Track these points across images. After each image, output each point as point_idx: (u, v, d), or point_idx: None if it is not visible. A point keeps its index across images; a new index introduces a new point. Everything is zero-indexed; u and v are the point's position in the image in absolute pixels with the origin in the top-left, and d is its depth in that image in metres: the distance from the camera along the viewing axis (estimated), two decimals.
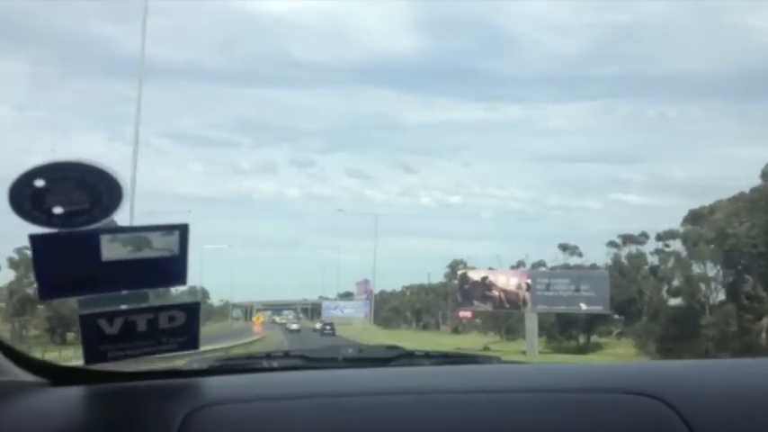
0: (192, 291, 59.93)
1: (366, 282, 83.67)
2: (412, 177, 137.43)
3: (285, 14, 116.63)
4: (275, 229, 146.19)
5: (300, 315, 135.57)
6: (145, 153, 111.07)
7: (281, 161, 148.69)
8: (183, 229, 1.24)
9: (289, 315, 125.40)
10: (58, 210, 1.17)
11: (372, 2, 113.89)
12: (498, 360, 1.89)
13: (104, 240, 1.20)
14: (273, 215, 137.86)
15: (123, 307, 1.36)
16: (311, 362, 1.71)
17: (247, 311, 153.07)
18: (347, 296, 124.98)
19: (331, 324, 79.48)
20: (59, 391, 1.38)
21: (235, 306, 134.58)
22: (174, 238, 1.23)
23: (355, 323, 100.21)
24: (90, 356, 1.37)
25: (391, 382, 1.41)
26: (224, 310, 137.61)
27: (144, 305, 1.36)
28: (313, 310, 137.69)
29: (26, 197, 1.16)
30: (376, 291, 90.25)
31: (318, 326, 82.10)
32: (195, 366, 1.64)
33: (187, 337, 1.39)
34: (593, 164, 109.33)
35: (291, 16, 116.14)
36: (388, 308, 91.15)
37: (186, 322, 1.37)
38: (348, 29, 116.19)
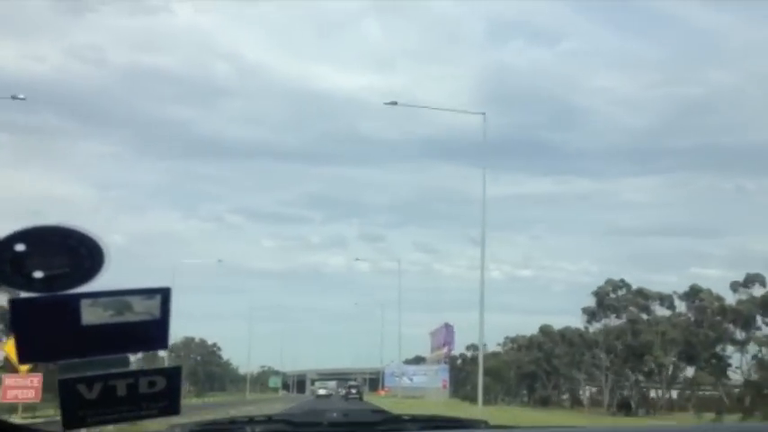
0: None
1: (447, 329, 53.06)
2: (479, 250, 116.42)
3: (354, 93, 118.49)
4: (343, 302, 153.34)
5: (356, 385, 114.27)
6: (219, 229, 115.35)
7: (351, 236, 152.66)
8: (164, 293, 1.25)
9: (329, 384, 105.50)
10: (38, 274, 1.19)
11: (440, 79, 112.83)
12: (486, 425, 1.83)
13: (85, 305, 1.21)
14: (342, 289, 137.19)
15: (103, 372, 1.34)
16: (295, 427, 1.66)
17: (293, 381, 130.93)
18: (418, 362, 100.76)
19: (357, 387, 75.88)
20: None
21: (274, 374, 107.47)
22: (155, 302, 1.25)
23: (429, 395, 75.74)
24: (68, 421, 1.34)
25: None
26: (261, 379, 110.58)
27: (124, 370, 1.36)
28: (375, 380, 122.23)
29: (6, 261, 1.18)
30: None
31: (343, 391, 76.32)
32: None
33: (168, 402, 1.38)
34: (670, 238, 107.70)
35: (360, 94, 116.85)
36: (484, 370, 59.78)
37: (167, 387, 1.36)
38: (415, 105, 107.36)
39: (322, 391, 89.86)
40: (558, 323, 74.34)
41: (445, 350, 52.84)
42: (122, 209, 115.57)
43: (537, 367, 52.12)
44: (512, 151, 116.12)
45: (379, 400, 67.27)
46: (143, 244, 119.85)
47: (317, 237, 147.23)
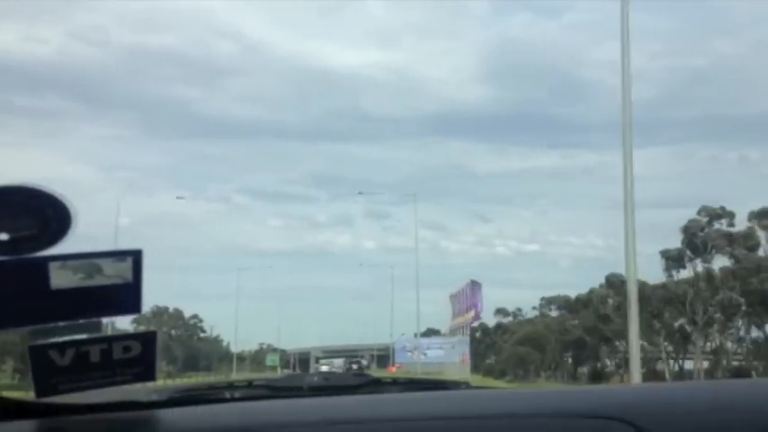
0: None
1: (473, 288, 42.09)
2: (487, 227, 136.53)
3: (356, 69, 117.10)
4: (351, 281, 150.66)
5: (364, 361, 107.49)
6: (227, 210, 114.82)
7: (357, 214, 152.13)
8: (136, 255, 1.21)
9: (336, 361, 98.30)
10: (2, 236, 1.15)
11: (443, 54, 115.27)
12: (467, 386, 1.93)
13: (53, 268, 1.17)
14: (350, 268, 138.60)
15: (76, 337, 1.30)
16: (275, 391, 1.66)
17: (294, 359, 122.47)
18: (430, 335, 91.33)
19: (359, 362, 74.54)
20: (7, 426, 1.32)
21: (272, 351, 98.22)
22: (127, 265, 1.21)
23: (447, 371, 66.25)
24: (41, 389, 1.31)
25: (358, 410, 1.37)
26: (259, 357, 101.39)
27: (97, 335, 1.31)
28: (384, 357, 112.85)
29: None
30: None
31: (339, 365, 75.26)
32: (153, 398, 1.58)
33: (143, 367, 1.35)
34: (674, 209, 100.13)
35: (362, 71, 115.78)
36: (513, 342, 48.94)
37: (142, 352, 1.32)
38: (419, 81, 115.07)
39: (324, 368, 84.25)
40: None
41: (472, 314, 42.25)
42: (129, 190, 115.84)
43: (588, 332, 41.12)
44: (517, 125, 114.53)
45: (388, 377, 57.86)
46: (149, 225, 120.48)
47: (324, 215, 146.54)
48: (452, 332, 66.85)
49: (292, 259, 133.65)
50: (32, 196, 1.13)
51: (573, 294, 45.78)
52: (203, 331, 76.52)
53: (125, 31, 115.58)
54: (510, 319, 59.12)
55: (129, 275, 1.19)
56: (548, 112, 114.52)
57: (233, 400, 1.61)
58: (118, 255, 1.19)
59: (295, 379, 1.87)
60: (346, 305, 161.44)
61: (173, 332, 67.57)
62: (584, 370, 45.32)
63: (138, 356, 1.31)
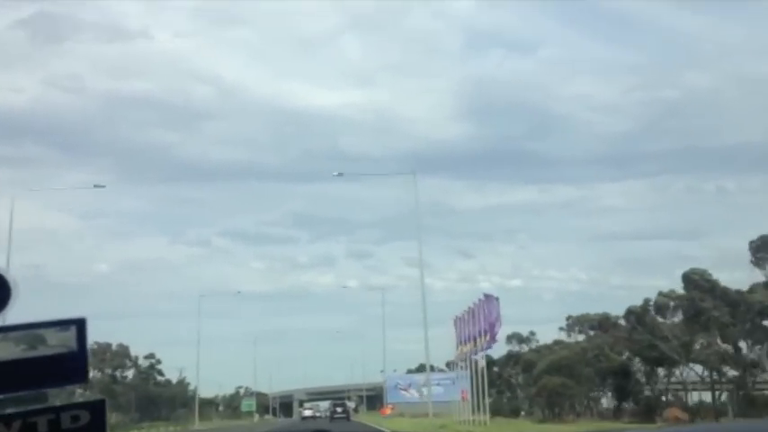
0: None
1: (489, 304, 32.76)
2: (469, 263, 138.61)
3: (334, 110, 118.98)
4: (335, 321, 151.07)
5: (351, 404, 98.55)
6: (207, 252, 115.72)
7: (339, 254, 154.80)
8: (80, 324, 1.21)
9: (321, 405, 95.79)
10: None
11: (418, 93, 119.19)
12: None
13: None
14: (333, 308, 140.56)
15: (22, 409, 1.28)
16: None
17: (275, 403, 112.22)
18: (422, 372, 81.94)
19: (343, 404, 68.09)
20: None
21: (247, 396, 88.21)
22: (71, 334, 1.21)
23: (450, 411, 56.97)
24: None
25: None
26: (234, 402, 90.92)
27: (45, 405, 1.27)
28: (374, 397, 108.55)
29: None
30: None
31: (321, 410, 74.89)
32: None
33: None
34: (655, 241, 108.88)
35: (339, 111, 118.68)
36: (539, 371, 39.55)
37: (91, 421, 1.29)
38: (396, 120, 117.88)
39: (307, 413, 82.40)
40: (546, 334, 63.57)
41: (487, 338, 33.36)
42: (107, 237, 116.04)
43: (640, 354, 32.05)
44: (494, 161, 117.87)
45: (381, 421, 48.72)
46: (129, 272, 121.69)
47: (305, 256, 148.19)
48: (458, 364, 57.84)
49: (274, 301, 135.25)
50: None
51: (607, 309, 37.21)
52: (161, 374, 66.52)
53: (100, 77, 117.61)
54: (522, 346, 50.38)
55: (73, 344, 1.18)
56: (523, 147, 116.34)
57: None
58: (61, 324, 1.18)
59: None
60: (331, 346, 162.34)
61: (118, 373, 57.26)
62: (629, 404, 36.12)
63: (88, 425, 1.26)
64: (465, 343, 42.77)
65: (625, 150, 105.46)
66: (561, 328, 44.42)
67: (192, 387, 77.52)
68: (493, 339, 34.82)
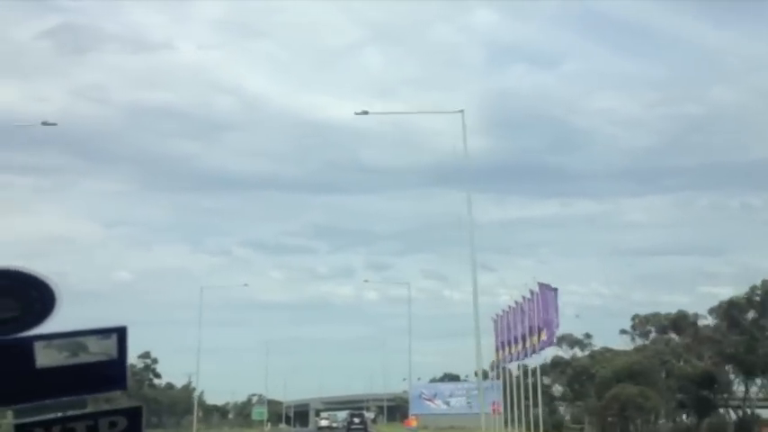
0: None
1: (544, 295, 26.19)
2: (489, 276, 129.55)
3: (354, 122, 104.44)
4: (354, 332, 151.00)
5: (370, 414, 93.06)
6: (228, 262, 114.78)
7: (358, 265, 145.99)
8: (120, 332, 1.26)
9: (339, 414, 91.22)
10: None
11: (437, 106, 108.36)
12: None
13: (38, 347, 1.22)
14: (352, 319, 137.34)
15: (61, 414, 1.32)
16: None
17: (290, 413, 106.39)
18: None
19: (361, 415, 64.32)
20: None
21: (258, 404, 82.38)
22: (111, 342, 1.26)
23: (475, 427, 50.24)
24: None
25: None
26: (246, 410, 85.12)
27: (83, 411, 1.33)
28: (394, 408, 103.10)
29: None
30: None
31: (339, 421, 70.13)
32: None
33: None
34: (678, 257, 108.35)
35: (361, 123, 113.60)
36: (602, 379, 32.80)
37: (128, 426, 1.33)
38: (417, 133, 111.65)
39: (324, 423, 78.72)
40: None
41: (544, 336, 27.00)
42: (129, 245, 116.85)
43: (732, 360, 25.63)
44: (515, 175, 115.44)
45: None
46: (151, 280, 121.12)
47: (324, 267, 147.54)
48: (496, 372, 51.56)
49: (293, 311, 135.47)
50: (16, 279, 1.16)
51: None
52: (157, 376, 60.83)
53: (125, 88, 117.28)
54: (574, 351, 44.04)
55: (114, 352, 1.23)
56: (545, 161, 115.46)
57: None
58: (102, 332, 1.23)
59: None
60: (349, 356, 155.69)
61: None
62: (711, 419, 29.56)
63: (125, 431, 1.19)
64: (507, 346, 36.64)
65: (648, 165, 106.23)
66: (624, 332, 38.29)
67: (196, 393, 72.14)
68: (551, 338, 28.56)
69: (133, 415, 1.32)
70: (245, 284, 60.01)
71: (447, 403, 68.28)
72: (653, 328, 34.97)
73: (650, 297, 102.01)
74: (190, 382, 72.92)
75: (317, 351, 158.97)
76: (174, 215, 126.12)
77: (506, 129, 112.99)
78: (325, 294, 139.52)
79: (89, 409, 1.32)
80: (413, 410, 71.90)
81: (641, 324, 36.15)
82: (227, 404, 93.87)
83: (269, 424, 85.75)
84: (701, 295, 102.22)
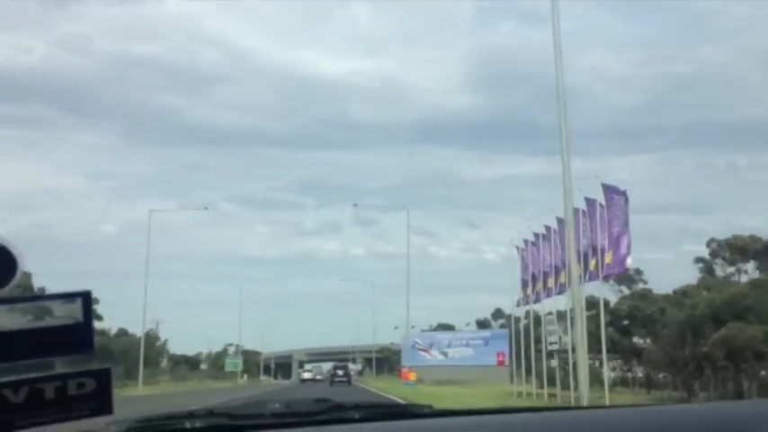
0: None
1: (612, 196, 17.54)
2: (475, 233, 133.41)
3: (343, 77, 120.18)
4: (340, 287, 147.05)
5: (355, 366, 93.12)
6: (214, 217, 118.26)
7: (345, 221, 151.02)
8: (85, 297, 1.27)
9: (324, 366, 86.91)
10: None
11: (428, 62, 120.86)
12: (430, 408, 1.90)
13: (1, 311, 1.23)
14: (338, 274, 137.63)
15: (29, 376, 1.34)
16: (236, 419, 1.69)
17: (271, 364, 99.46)
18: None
19: (345, 367, 60.65)
20: None
21: (231, 355, 75.26)
22: (76, 306, 1.26)
23: (482, 379, 48.92)
24: None
25: None
26: (219, 362, 77.66)
27: (51, 373, 1.34)
28: (382, 360, 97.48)
29: None
30: None
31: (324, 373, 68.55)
32: (112, 430, 1.61)
33: (99, 402, 1.38)
34: (662, 215, 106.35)
35: (349, 78, 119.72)
36: (699, 313, 24.40)
37: (97, 388, 1.36)
38: (405, 89, 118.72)
39: (306, 375, 75.65)
40: (557, 304, 62.54)
41: (608, 259, 19.03)
42: (114, 198, 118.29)
43: None
44: (503, 133, 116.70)
45: (403, 391, 35.02)
46: (136, 233, 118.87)
47: (311, 222, 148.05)
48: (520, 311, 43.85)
49: (279, 266, 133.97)
50: None
51: None
52: (99, 318, 52.77)
53: (109, 39, 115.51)
54: (621, 289, 36.00)
55: (79, 315, 1.23)
56: (533, 118, 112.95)
57: (193, 430, 1.60)
58: (67, 297, 1.23)
59: (257, 406, 1.81)
60: (335, 310, 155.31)
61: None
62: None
63: (94, 391, 1.33)
64: (538, 280, 28.59)
65: (635, 124, 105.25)
66: (701, 260, 30.22)
67: (162, 343, 64.10)
68: (622, 262, 20.16)
69: (101, 376, 1.32)
70: (206, 208, 52.40)
71: (444, 354, 60.71)
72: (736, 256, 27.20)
73: (634, 254, 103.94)
74: (155, 332, 65.14)
75: (303, 305, 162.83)
76: (159, 169, 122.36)
77: (495, 86, 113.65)
78: (312, 249, 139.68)
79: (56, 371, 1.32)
80: (405, 362, 64.39)
81: (719, 251, 28.03)
82: (200, 354, 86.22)
83: (245, 376, 78.23)
84: (684, 253, 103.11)
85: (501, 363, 57.19)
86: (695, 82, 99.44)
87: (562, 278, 26.71)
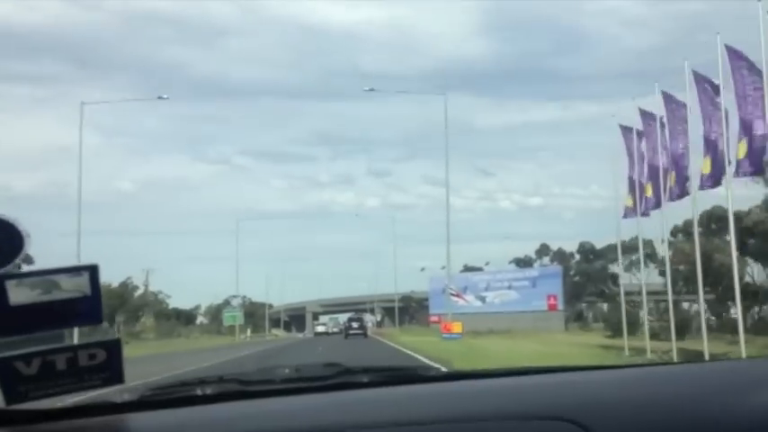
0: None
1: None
2: (490, 181, 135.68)
3: (353, 27, 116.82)
4: (355, 239, 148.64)
5: (372, 317, 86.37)
6: (228, 171, 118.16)
7: (359, 172, 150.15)
8: (92, 270, 1.29)
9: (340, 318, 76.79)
10: None
11: (439, 8, 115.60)
12: (437, 372, 1.92)
13: (11, 285, 1.25)
14: (353, 226, 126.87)
15: (41, 347, 1.38)
16: (247, 385, 1.71)
17: (282, 317, 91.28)
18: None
19: (360, 319, 53.77)
20: None
21: (229, 307, 65.69)
22: (84, 279, 1.29)
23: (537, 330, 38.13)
24: (10, 397, 1.38)
25: (326, 414, 1.48)
26: (220, 315, 68.51)
27: (62, 345, 1.38)
28: (404, 311, 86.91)
29: None
30: None
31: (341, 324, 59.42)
32: (125, 398, 1.64)
33: (110, 372, 1.42)
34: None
35: (359, 28, 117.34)
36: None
37: (107, 359, 1.40)
38: (416, 36, 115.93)
39: (320, 328, 70.08)
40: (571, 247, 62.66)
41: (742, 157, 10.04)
42: (130, 154, 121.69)
43: None
44: (517, 78, 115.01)
45: (440, 347, 25.99)
46: (151, 190, 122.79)
47: (325, 174, 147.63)
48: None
49: (294, 219, 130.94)
50: None
51: None
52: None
53: None
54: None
55: (87, 289, 1.26)
56: (548, 63, 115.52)
57: (204, 397, 1.63)
58: (74, 270, 1.27)
59: (267, 372, 1.85)
60: (351, 261, 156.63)
61: None
62: None
63: (104, 362, 1.36)
64: (656, 177, 18.56)
65: (650, 66, 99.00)
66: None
67: (142, 294, 54.90)
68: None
69: (111, 347, 1.36)
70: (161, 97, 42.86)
71: (482, 299, 51.10)
72: None
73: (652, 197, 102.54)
74: (129, 280, 56.00)
75: (319, 257, 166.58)
76: (172, 124, 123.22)
77: (508, 31, 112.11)
78: (326, 202, 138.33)
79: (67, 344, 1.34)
80: (434, 309, 54.65)
81: None
82: (198, 308, 77.09)
83: (248, 330, 68.92)
84: (702, 196, 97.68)
85: (553, 307, 47.64)
86: (713, 21, 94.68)
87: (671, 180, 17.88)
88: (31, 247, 1.26)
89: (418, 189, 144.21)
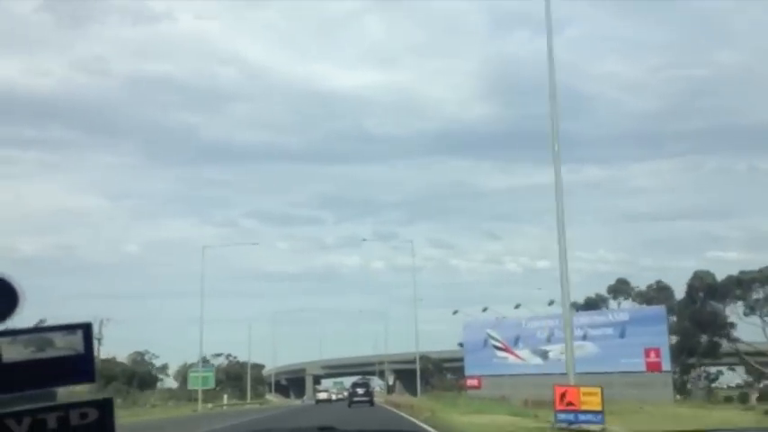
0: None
1: None
2: (496, 244, 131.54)
3: (357, 91, 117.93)
4: (361, 301, 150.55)
5: (380, 381, 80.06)
6: (234, 234, 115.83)
7: (364, 235, 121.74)
8: (86, 328, 1.30)
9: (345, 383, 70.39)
10: None
11: (445, 73, 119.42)
12: None
13: (3, 343, 1.27)
14: (359, 288, 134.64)
15: (32, 406, 1.37)
16: None
17: (278, 380, 77.82)
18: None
19: (366, 385, 46.08)
20: None
21: (196, 369, 50.75)
22: (77, 337, 1.30)
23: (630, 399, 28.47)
24: None
25: None
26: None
27: (54, 403, 1.38)
28: (420, 373, 67.31)
29: None
30: None
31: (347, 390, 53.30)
32: None
33: None
34: (684, 221, 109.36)
35: (364, 92, 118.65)
36: None
37: (99, 418, 1.38)
38: (420, 100, 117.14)
39: (323, 395, 61.64)
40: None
41: None
42: (136, 218, 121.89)
43: None
44: (521, 142, 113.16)
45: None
46: (158, 252, 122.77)
47: (331, 237, 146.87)
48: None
49: (300, 282, 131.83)
50: None
51: None
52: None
53: (126, 59, 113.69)
54: None
55: (80, 347, 1.26)
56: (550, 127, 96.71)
57: None
58: (68, 328, 1.26)
59: None
60: (358, 325, 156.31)
61: None
62: None
63: (96, 422, 1.34)
64: None
65: (654, 130, 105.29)
66: None
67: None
68: None
69: (104, 406, 1.34)
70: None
71: (542, 354, 36.91)
72: None
73: (657, 262, 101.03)
74: (98, 334, 43.02)
75: (323, 320, 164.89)
76: (178, 187, 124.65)
77: (510, 95, 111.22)
78: (332, 264, 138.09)
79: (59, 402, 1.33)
80: (471, 369, 40.35)
81: None
82: (165, 367, 62.75)
83: (225, 398, 54.21)
84: (709, 260, 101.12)
85: (655, 366, 33.32)
86: (713, 86, 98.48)
87: None
88: (28, 308, 1.22)
89: (424, 252, 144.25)
